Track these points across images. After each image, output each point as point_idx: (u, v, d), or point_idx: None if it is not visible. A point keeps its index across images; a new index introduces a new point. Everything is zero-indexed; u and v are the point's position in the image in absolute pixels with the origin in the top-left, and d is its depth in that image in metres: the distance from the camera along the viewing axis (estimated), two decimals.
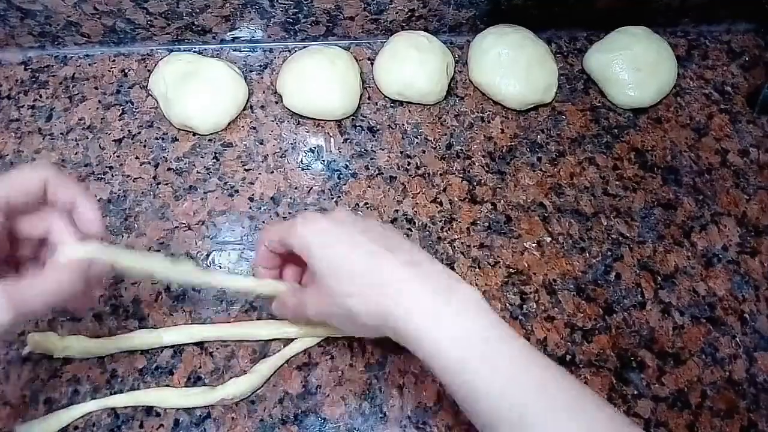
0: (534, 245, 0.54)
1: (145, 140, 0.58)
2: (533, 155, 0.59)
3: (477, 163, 0.58)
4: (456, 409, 0.47)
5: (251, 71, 0.62)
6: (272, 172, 0.57)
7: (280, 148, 0.58)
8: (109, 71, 0.61)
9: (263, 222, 0.54)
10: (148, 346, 0.48)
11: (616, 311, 0.52)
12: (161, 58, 0.60)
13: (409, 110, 0.61)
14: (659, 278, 0.53)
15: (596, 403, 0.34)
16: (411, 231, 0.54)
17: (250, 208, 0.55)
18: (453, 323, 0.34)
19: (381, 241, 0.38)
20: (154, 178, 0.56)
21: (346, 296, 0.38)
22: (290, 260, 0.45)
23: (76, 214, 0.37)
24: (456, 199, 0.56)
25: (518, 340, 0.35)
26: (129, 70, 0.61)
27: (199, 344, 0.48)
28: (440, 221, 0.55)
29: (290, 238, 0.41)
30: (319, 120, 0.59)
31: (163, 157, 0.57)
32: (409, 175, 0.57)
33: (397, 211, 0.55)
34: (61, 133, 0.57)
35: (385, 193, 0.56)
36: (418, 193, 0.56)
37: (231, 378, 0.47)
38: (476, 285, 0.52)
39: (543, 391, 0.33)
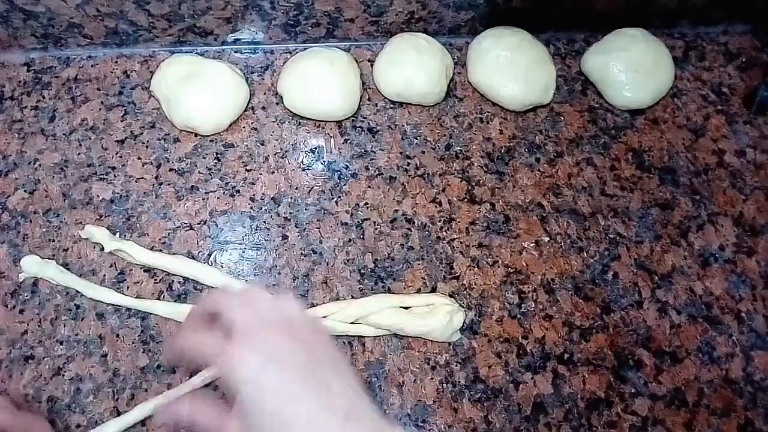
0: (532, 245, 0.55)
1: (148, 141, 0.58)
2: (531, 156, 0.59)
3: (476, 164, 0.58)
4: (455, 407, 0.48)
5: (252, 73, 0.62)
6: (273, 172, 0.57)
7: (281, 149, 0.58)
8: (112, 72, 0.61)
9: (264, 222, 0.55)
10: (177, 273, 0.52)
11: (614, 310, 0.52)
12: (163, 60, 0.61)
13: (409, 111, 0.61)
14: (656, 278, 0.54)
15: None
16: (410, 231, 0.55)
17: (251, 208, 0.55)
18: None
19: (321, 387, 0.34)
20: (156, 178, 0.56)
21: None
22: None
23: None
24: (455, 199, 0.57)
25: None
26: (131, 72, 0.61)
27: None
28: (439, 221, 0.55)
29: (216, 358, 0.35)
30: (319, 121, 0.60)
31: (165, 157, 0.57)
32: (409, 176, 0.58)
33: (396, 211, 0.56)
34: (64, 134, 0.58)
35: (385, 193, 0.57)
36: (418, 193, 0.57)
37: None
38: (475, 284, 0.53)
39: None
